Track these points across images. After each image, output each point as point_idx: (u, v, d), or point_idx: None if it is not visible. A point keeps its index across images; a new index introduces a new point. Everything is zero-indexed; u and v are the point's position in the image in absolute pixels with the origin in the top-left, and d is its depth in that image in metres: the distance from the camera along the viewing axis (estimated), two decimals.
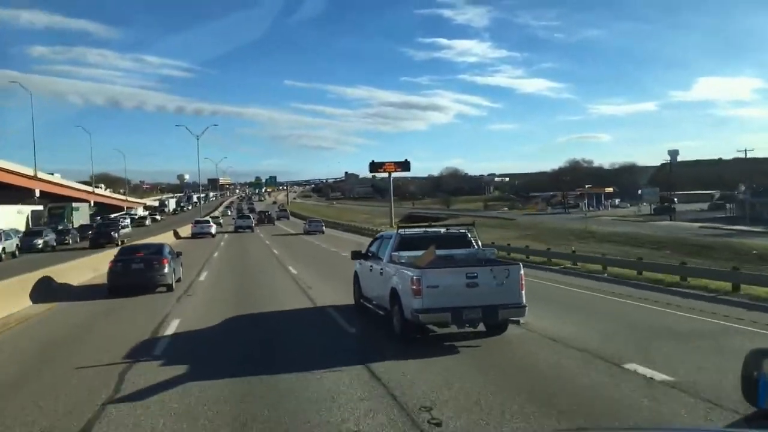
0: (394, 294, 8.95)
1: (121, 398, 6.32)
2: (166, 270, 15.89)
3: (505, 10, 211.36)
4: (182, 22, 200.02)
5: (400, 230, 10.53)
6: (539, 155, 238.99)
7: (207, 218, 52.99)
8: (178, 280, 17.21)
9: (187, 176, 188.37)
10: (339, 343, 9.12)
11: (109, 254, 18.85)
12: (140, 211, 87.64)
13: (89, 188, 77.35)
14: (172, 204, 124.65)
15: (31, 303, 14.02)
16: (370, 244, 11.77)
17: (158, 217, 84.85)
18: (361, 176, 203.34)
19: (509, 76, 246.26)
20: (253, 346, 9.00)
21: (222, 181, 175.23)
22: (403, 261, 9.37)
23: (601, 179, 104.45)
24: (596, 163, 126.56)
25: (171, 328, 10.48)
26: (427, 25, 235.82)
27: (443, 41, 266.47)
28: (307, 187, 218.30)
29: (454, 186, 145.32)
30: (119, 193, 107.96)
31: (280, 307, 12.84)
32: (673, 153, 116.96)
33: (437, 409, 5.62)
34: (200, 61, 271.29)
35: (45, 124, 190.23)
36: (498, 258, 10.23)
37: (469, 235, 10.48)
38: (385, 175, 64.47)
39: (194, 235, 43.32)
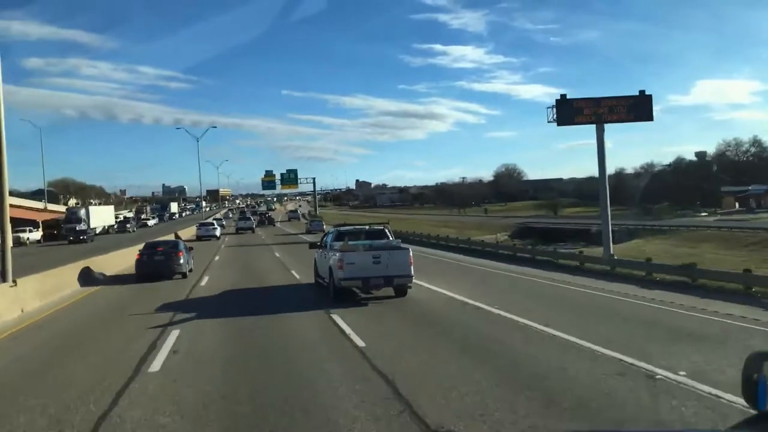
0: (330, 270, 13.98)
1: (176, 322, 11.36)
2: (181, 261, 20.78)
3: (502, 14, 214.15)
4: (177, 31, 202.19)
5: (336, 227, 15.92)
6: (540, 163, 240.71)
7: (212, 221, 56.38)
8: (190, 270, 22.14)
9: (186, 188, 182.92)
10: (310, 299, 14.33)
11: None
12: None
13: None
14: (101, 217, 64.89)
15: (79, 286, 19.32)
16: (323, 237, 16.93)
17: None
18: (373, 185, 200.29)
19: (507, 82, 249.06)
20: (256, 299, 14.36)
21: (222, 192, 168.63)
22: (335, 248, 14.23)
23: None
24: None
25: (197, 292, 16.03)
26: (422, 31, 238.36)
27: (439, 47, 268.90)
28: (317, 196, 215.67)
29: (516, 189, 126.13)
30: (87, 202, 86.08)
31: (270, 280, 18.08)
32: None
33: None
34: (196, 72, 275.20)
35: (25, 136, 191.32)
36: (399, 245, 15.06)
37: (386, 230, 15.83)
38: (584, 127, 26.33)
39: (199, 238, 46.41)
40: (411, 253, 13.81)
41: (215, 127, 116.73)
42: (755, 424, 1.86)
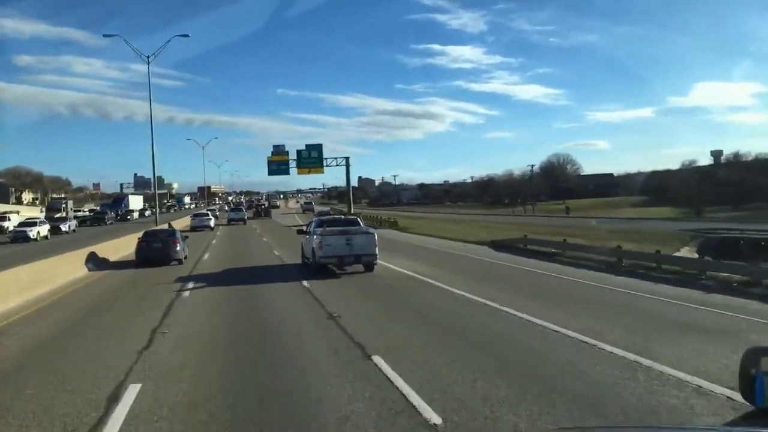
0: (312, 250, 17.42)
1: (185, 291, 14.85)
2: (178, 248, 23.68)
3: (500, 15, 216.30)
4: (169, 28, 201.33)
5: (316, 216, 18.90)
6: (530, 160, 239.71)
7: (206, 211, 59.49)
8: (185, 257, 25.02)
9: (175, 185, 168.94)
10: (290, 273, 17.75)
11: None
12: None
13: None
14: None
15: (87, 270, 21.92)
16: (307, 225, 20.48)
17: None
18: (378, 182, 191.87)
19: (505, 83, 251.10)
20: (246, 274, 17.73)
21: (215, 189, 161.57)
22: (317, 233, 17.70)
23: None
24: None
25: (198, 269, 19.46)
26: (420, 31, 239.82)
27: (437, 47, 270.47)
28: (316, 194, 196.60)
29: (573, 183, 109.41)
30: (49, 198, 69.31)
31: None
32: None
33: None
34: (191, 70, 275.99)
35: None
36: (366, 230, 18.48)
37: (359, 219, 19.57)
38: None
39: (193, 228, 48.80)
40: (376, 236, 16.95)
41: (216, 138, 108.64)
42: (754, 420, 1.88)
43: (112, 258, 25.62)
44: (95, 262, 22.97)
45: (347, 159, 65.56)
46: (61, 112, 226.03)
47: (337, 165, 65.75)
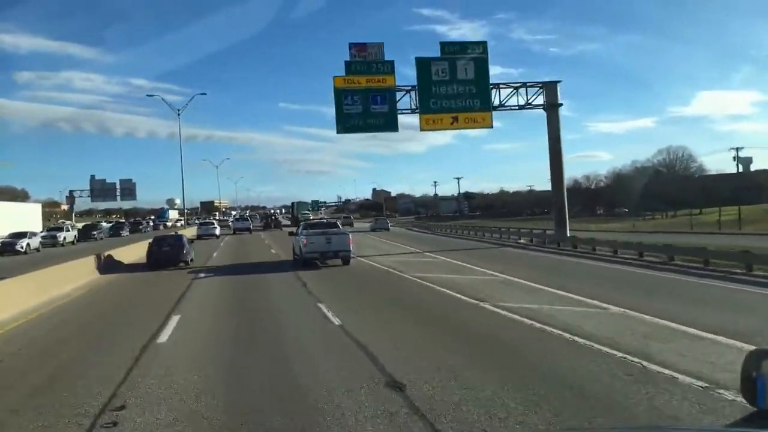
0: (299, 248, 21.31)
1: (197, 279, 18.57)
2: (185, 251, 26.85)
3: (500, 24, 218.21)
4: (168, 33, 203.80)
5: (305, 221, 22.31)
6: (542, 175, 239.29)
7: (212, 220, 63.67)
8: (192, 260, 28.01)
9: (177, 201, 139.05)
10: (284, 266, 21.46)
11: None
12: None
13: None
14: None
15: (99, 274, 24.63)
16: (297, 228, 24.80)
17: None
18: (394, 194, 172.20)
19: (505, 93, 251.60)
20: (248, 266, 21.51)
21: (218, 203, 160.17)
22: (303, 234, 21.71)
23: None
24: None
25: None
26: (420, 42, 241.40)
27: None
28: (329, 208, 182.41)
29: (701, 185, 74.20)
30: None
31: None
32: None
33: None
34: (192, 84, 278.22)
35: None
36: (343, 231, 22.50)
37: (338, 222, 23.52)
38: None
39: (199, 237, 51.09)
40: (350, 236, 21.73)
41: (228, 158, 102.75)
42: (754, 421, 1.96)
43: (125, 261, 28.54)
44: (111, 264, 25.89)
45: (554, 85, 33.06)
46: (61, 128, 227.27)
47: (527, 105, 32.97)
